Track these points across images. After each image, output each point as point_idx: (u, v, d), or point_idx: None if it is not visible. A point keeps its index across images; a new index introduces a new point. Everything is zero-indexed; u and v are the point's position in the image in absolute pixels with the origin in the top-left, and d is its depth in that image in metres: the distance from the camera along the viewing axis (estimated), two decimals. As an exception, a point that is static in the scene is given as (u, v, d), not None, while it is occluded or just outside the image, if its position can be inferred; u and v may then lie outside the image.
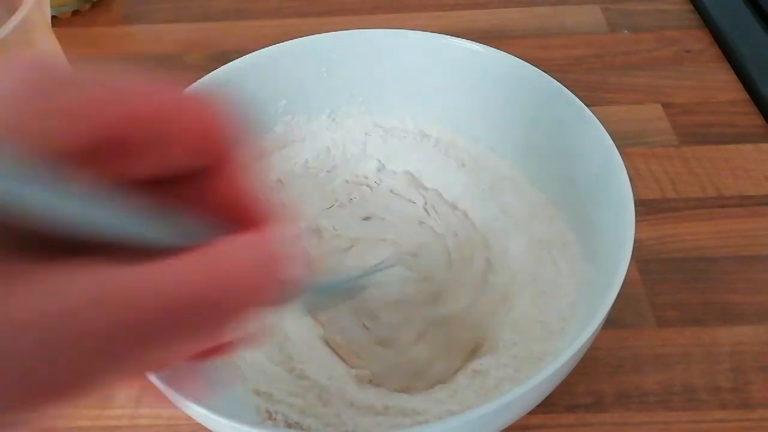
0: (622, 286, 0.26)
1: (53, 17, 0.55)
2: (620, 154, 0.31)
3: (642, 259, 0.38)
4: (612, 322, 0.34)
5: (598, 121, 0.33)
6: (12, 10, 0.35)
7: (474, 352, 0.34)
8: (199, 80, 0.37)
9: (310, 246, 0.38)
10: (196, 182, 0.16)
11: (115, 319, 0.12)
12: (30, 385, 0.12)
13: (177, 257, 0.14)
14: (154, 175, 0.15)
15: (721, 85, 0.49)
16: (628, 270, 0.27)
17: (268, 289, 0.15)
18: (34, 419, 0.13)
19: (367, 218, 0.40)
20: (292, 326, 0.34)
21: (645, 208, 0.41)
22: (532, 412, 0.28)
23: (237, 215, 0.16)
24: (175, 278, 0.13)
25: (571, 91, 0.35)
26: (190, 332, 0.14)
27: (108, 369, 0.13)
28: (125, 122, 0.14)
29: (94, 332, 0.12)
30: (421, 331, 0.34)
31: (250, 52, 0.39)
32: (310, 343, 0.34)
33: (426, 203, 0.40)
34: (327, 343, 0.34)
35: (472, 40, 0.39)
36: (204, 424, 0.26)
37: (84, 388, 0.13)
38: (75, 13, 0.58)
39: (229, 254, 0.14)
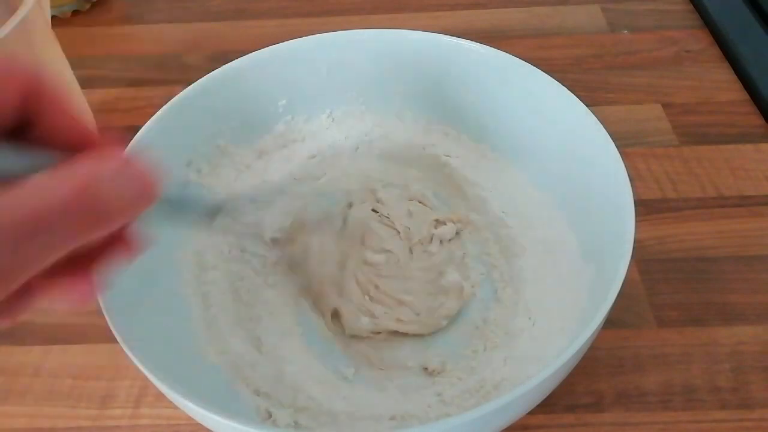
0: (622, 286, 0.26)
1: (53, 17, 0.55)
2: (620, 154, 0.32)
3: (642, 259, 0.38)
4: (612, 322, 0.34)
5: (598, 122, 0.33)
6: (12, 10, 0.35)
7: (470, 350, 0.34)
8: (199, 80, 0.37)
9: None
10: (37, 126, 0.19)
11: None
12: None
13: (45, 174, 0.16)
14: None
15: (721, 85, 0.49)
16: (628, 270, 0.27)
17: (133, 193, 0.18)
18: None
19: (368, 216, 0.40)
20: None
21: (645, 208, 0.41)
22: (532, 412, 0.28)
23: (75, 143, 0.19)
24: (46, 190, 0.16)
25: (571, 91, 0.35)
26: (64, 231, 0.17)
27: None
28: None
29: None
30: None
31: (250, 52, 0.39)
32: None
33: (425, 203, 0.40)
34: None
35: (472, 40, 0.39)
36: (204, 424, 0.26)
37: None
38: (75, 13, 0.58)
39: (89, 165, 0.17)
